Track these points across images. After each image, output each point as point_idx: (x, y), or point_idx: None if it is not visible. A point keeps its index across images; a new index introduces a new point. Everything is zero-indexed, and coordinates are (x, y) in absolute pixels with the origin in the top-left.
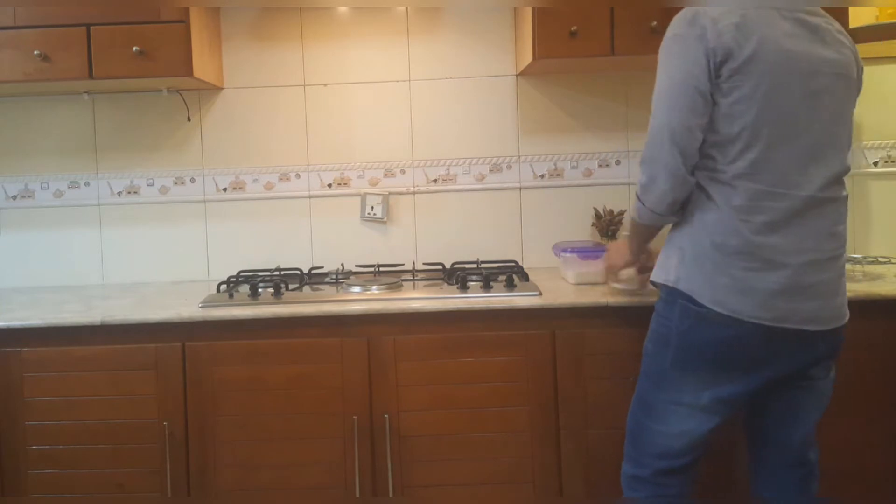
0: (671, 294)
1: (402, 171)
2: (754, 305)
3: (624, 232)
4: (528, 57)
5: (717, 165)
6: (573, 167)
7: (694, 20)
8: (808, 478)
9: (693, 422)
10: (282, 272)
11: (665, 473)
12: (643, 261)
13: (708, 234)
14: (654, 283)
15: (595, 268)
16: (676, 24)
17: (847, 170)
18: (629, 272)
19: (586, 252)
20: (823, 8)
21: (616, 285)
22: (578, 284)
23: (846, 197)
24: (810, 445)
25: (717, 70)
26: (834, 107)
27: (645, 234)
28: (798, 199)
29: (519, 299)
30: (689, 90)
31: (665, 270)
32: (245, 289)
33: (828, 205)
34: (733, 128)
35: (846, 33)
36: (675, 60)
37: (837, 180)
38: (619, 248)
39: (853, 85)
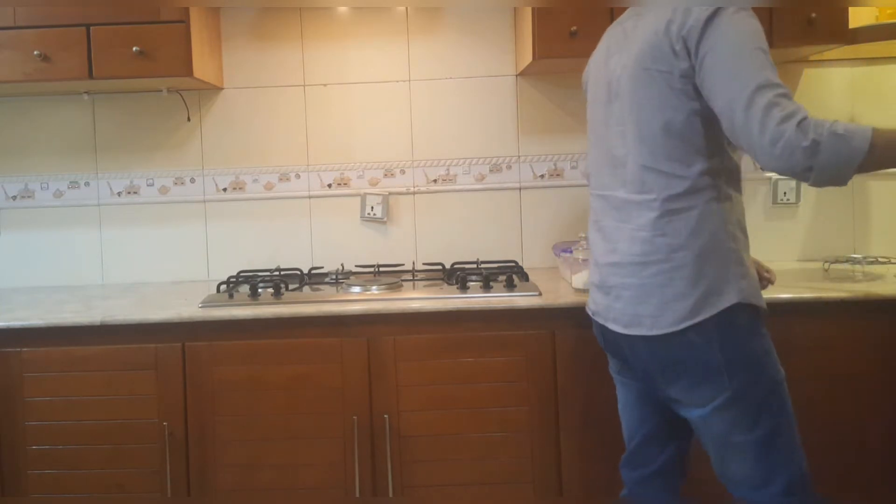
0: None
1: (402, 172)
2: (590, 299)
3: None
4: (527, 57)
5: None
6: (573, 167)
7: None
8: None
9: (618, 398)
10: (282, 272)
11: (627, 457)
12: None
13: None
14: None
15: None
16: None
17: (645, 170)
18: None
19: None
20: (825, 8)
21: None
22: (585, 291)
23: (661, 199)
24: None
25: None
26: (625, 106)
27: None
28: (610, 199)
29: (519, 299)
30: None
31: None
32: (245, 289)
33: (639, 207)
34: None
35: (668, 20)
36: None
37: (635, 181)
38: None
39: (645, 74)
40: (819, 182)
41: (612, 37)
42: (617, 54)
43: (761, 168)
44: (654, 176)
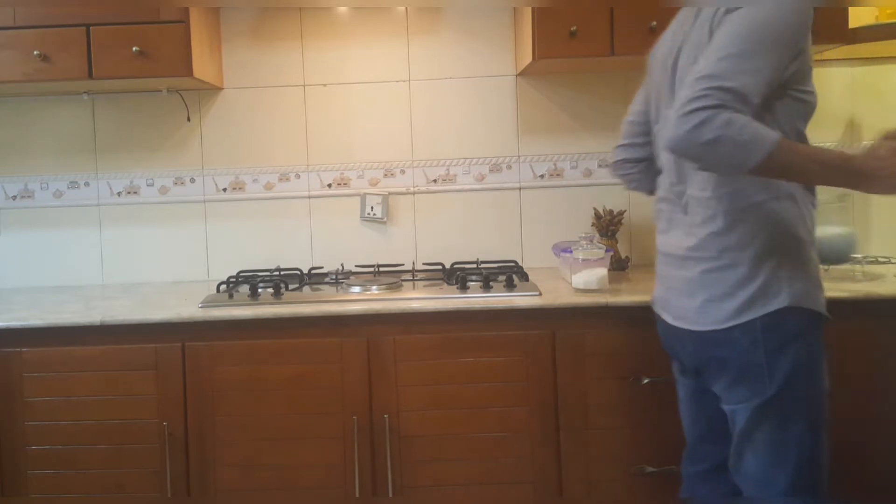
0: None
1: (402, 172)
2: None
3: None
4: (527, 57)
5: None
6: (573, 167)
7: None
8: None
9: (679, 395)
10: (282, 272)
11: (686, 458)
12: None
13: None
14: None
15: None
16: None
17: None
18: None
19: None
20: (825, 8)
21: None
22: (585, 291)
23: (718, 197)
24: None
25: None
26: (661, 104)
27: None
28: (680, 195)
29: (519, 299)
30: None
31: None
32: (245, 289)
33: (700, 204)
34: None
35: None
36: None
37: (679, 179)
38: None
39: (668, 66)
40: (705, 170)
41: (680, 24)
42: (684, 44)
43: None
44: (683, 174)
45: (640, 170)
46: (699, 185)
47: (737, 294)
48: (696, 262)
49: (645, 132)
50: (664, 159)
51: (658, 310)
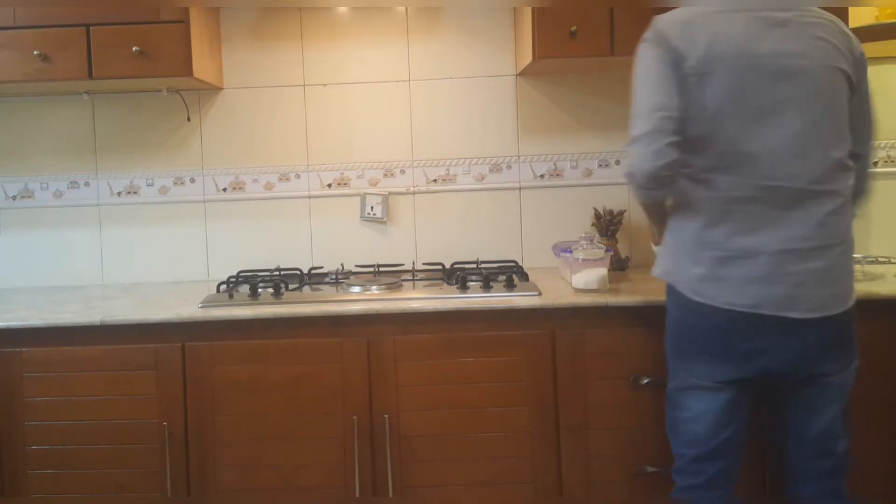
0: (667, 286)
1: (402, 172)
2: (728, 293)
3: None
4: (527, 57)
5: (690, 162)
6: (573, 167)
7: (652, 25)
8: (836, 469)
9: (706, 402)
10: (282, 272)
11: (698, 460)
12: None
13: (686, 230)
14: (657, 276)
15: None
16: (646, 33)
17: (839, 162)
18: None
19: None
20: (825, 8)
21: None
22: (585, 291)
23: (845, 189)
24: (836, 437)
25: (677, 68)
26: (812, 99)
27: (654, 216)
28: (787, 190)
29: (519, 299)
30: (658, 77)
31: (658, 264)
32: (245, 289)
33: (819, 197)
34: (698, 124)
35: (834, 26)
36: (643, 59)
37: (830, 173)
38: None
39: (837, 76)
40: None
41: (742, 22)
42: (776, 40)
43: None
44: (840, 166)
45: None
46: (811, 179)
47: (853, 271)
48: (827, 249)
49: (682, 129)
50: (761, 153)
51: (774, 311)
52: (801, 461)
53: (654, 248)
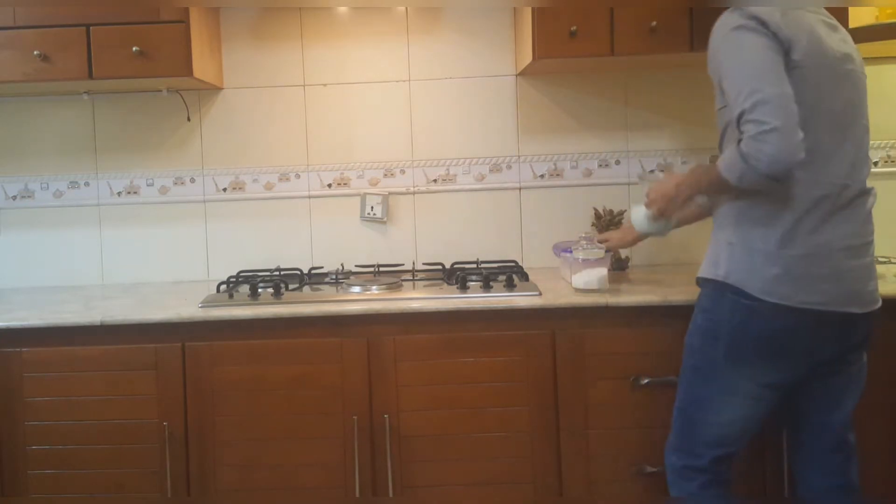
0: (719, 288)
1: (402, 172)
2: (804, 291)
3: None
4: (528, 57)
5: None
6: (573, 167)
7: (751, 15)
8: (848, 461)
9: (746, 409)
10: (282, 272)
11: (721, 460)
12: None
13: (762, 229)
14: (700, 280)
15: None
16: (733, 20)
17: (871, 163)
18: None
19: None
20: (825, 8)
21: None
22: (585, 291)
23: (873, 189)
24: (849, 429)
25: (786, 58)
26: (863, 103)
27: (715, 192)
28: (850, 189)
29: (519, 299)
30: (775, 64)
31: (713, 265)
32: (245, 289)
33: (866, 196)
34: None
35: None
36: (748, 44)
37: (868, 173)
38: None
39: (865, 80)
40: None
41: (819, 23)
42: (839, 43)
43: None
44: (870, 166)
45: None
46: (864, 178)
47: None
48: (870, 245)
49: None
50: (834, 152)
51: (839, 307)
52: (820, 453)
53: (644, 222)
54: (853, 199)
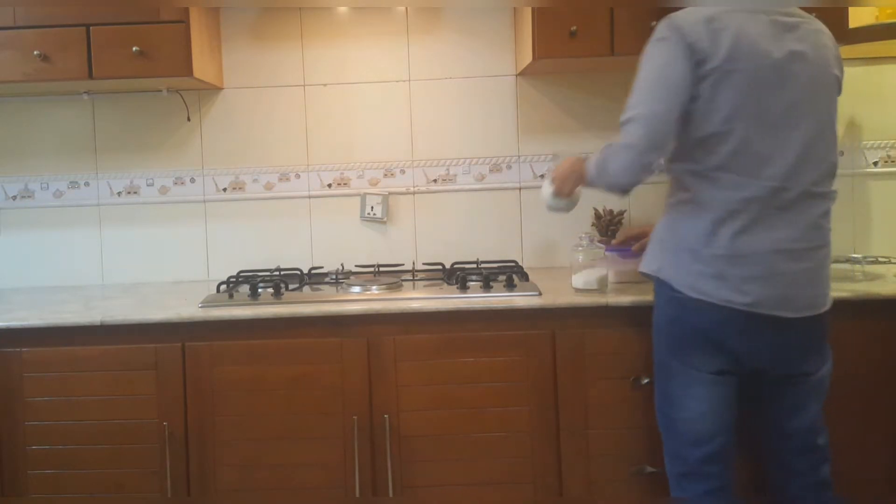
0: (657, 283)
1: (402, 172)
2: (728, 290)
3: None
4: (527, 57)
5: (697, 158)
6: None
7: (670, 23)
8: (819, 462)
9: (709, 401)
10: (282, 272)
11: (706, 461)
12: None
13: (689, 227)
14: (643, 274)
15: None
16: (659, 30)
17: (832, 166)
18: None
19: (626, 251)
20: (826, 8)
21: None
22: (585, 291)
23: (835, 193)
24: (817, 432)
25: (697, 67)
26: (818, 104)
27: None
28: (789, 192)
29: (519, 299)
30: (669, 81)
31: (650, 260)
32: (245, 289)
33: (817, 199)
34: (712, 123)
35: (829, 34)
36: (657, 58)
37: (828, 176)
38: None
39: (834, 84)
40: None
41: (760, 24)
42: (787, 43)
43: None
44: (832, 170)
45: None
46: (812, 181)
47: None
48: (816, 250)
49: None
50: (769, 155)
51: (767, 310)
52: (787, 455)
53: (549, 198)
54: (794, 202)
